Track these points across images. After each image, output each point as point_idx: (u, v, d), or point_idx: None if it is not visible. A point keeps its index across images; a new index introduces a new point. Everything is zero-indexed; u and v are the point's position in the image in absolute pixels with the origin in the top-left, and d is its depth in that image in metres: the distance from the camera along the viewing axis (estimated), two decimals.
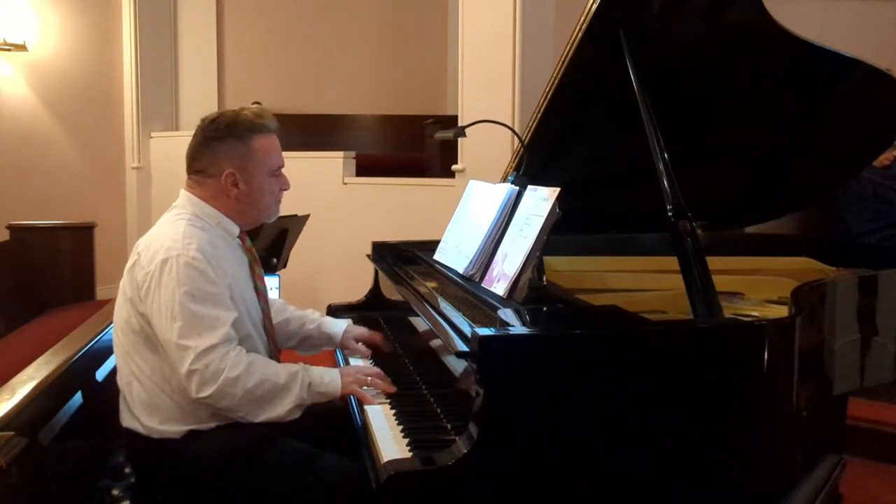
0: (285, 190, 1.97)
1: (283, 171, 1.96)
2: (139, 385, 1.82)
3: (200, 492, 1.78)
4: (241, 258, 1.94)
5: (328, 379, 1.82)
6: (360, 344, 2.18)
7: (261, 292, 1.98)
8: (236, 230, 1.93)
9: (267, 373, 1.75)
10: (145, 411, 1.81)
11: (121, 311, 1.86)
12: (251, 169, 1.87)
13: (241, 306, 1.84)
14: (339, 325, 2.20)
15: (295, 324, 2.18)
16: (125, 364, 1.85)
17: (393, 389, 1.86)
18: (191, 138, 1.92)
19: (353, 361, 2.15)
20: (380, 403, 1.82)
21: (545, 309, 1.74)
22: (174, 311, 1.71)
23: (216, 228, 1.88)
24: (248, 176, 1.87)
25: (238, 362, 1.71)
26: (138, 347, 1.82)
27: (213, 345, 1.70)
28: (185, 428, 1.79)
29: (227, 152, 1.86)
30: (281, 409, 1.75)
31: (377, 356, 2.19)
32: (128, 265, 1.85)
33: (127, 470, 1.98)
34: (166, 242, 1.77)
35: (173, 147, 5.94)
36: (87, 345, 2.20)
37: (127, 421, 1.86)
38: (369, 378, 1.88)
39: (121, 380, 1.87)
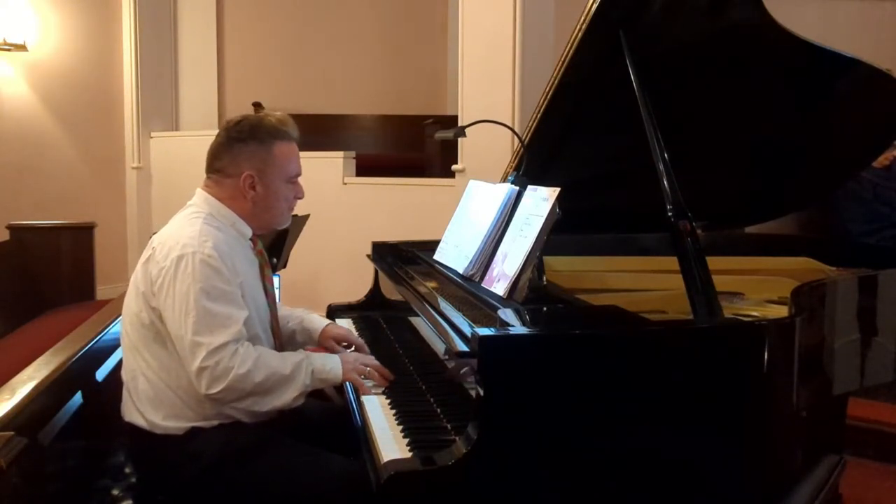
0: (299, 199, 2.00)
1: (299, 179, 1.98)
2: (145, 380, 1.83)
3: (201, 490, 1.78)
4: (252, 260, 1.96)
5: (330, 366, 1.86)
6: (342, 345, 2.15)
7: (270, 294, 2.00)
8: (249, 232, 1.95)
9: (273, 365, 1.78)
10: (150, 406, 1.82)
11: (131, 304, 1.87)
12: (269, 173, 1.90)
13: (251, 306, 1.85)
14: (319, 323, 2.19)
15: (281, 321, 2.18)
16: (132, 358, 1.86)
17: (391, 377, 1.90)
18: (213, 139, 1.95)
19: None
20: (378, 398, 1.82)
21: (545, 309, 1.74)
22: (188, 307, 1.73)
23: (230, 229, 1.90)
24: (265, 179, 1.90)
25: (246, 358, 1.74)
26: (147, 342, 1.83)
27: (225, 343, 1.72)
28: (188, 425, 1.80)
29: (249, 154, 1.89)
30: (287, 397, 1.79)
31: (375, 355, 2.18)
32: (142, 259, 1.86)
33: (127, 470, 1.98)
34: (182, 239, 1.79)
35: (173, 147, 5.96)
36: (87, 345, 2.20)
37: (129, 415, 1.87)
38: (368, 368, 1.90)
39: (126, 374, 1.89)
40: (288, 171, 1.93)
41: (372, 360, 1.96)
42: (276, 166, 1.91)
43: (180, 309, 1.73)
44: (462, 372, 1.67)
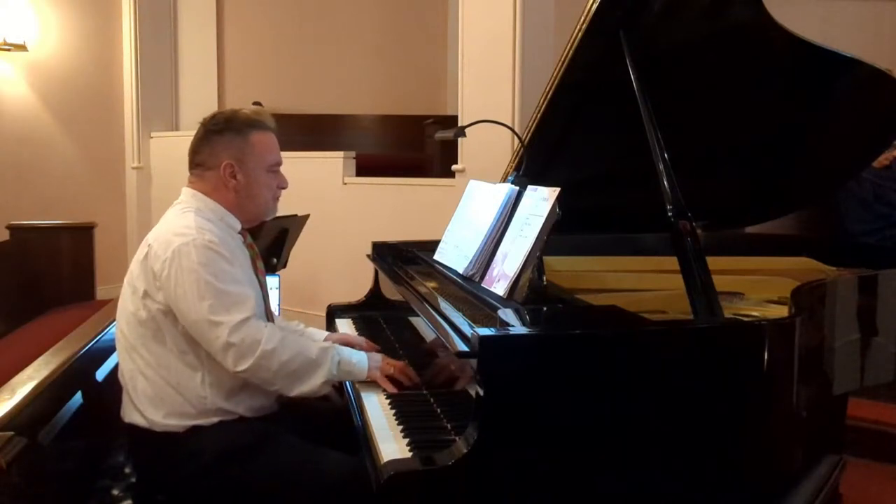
0: (283, 188, 2.01)
1: (283, 171, 2.00)
2: (144, 379, 1.84)
3: (201, 488, 1.79)
4: (244, 252, 1.97)
5: (356, 359, 1.88)
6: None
7: (263, 285, 2.01)
8: (238, 225, 1.97)
9: (300, 347, 1.81)
10: (150, 405, 1.83)
11: (127, 304, 1.88)
12: (249, 161, 1.92)
13: None
14: (319, 336, 2.20)
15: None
16: (129, 359, 1.87)
17: (416, 378, 1.90)
18: (192, 137, 1.98)
19: None
20: (378, 398, 1.83)
21: (545, 309, 1.74)
22: (200, 291, 1.75)
23: (220, 223, 1.92)
24: (245, 168, 1.92)
25: (273, 336, 1.77)
26: (145, 340, 1.84)
27: (245, 318, 1.75)
28: (189, 423, 1.81)
29: (226, 144, 1.91)
30: (313, 382, 1.81)
31: None
32: (137, 257, 1.87)
33: (127, 470, 1.98)
34: (179, 230, 1.81)
35: (173, 147, 5.95)
36: (87, 345, 2.20)
37: (129, 416, 1.87)
38: (392, 369, 1.90)
39: (123, 375, 1.89)
40: (267, 159, 1.95)
41: (398, 362, 1.94)
42: (255, 155, 1.93)
43: (192, 295, 1.75)
44: (462, 371, 1.67)
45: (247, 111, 1.98)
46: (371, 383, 1.90)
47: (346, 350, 1.91)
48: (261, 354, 1.74)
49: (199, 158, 1.94)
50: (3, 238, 4.07)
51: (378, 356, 1.96)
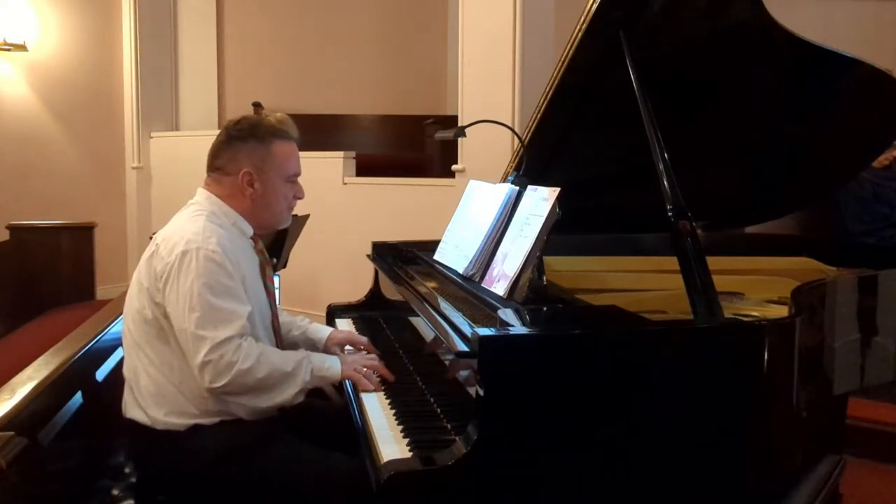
0: (299, 199, 2.02)
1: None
2: (147, 376, 1.84)
3: (201, 487, 1.79)
4: (253, 258, 1.97)
5: (328, 364, 1.90)
6: (346, 347, 2.18)
7: (271, 292, 2.01)
8: (250, 231, 1.96)
9: (276, 362, 1.81)
10: (152, 402, 1.83)
11: (133, 301, 1.88)
12: (268, 171, 1.92)
13: (252, 304, 1.87)
14: (323, 332, 2.21)
15: (283, 329, 2.20)
16: (134, 355, 1.87)
17: (391, 377, 1.92)
18: (214, 138, 1.98)
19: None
20: (378, 398, 1.83)
21: (545, 309, 1.74)
22: (192, 302, 1.74)
23: (232, 228, 1.92)
24: (264, 177, 1.92)
25: (250, 353, 1.75)
26: (149, 338, 1.84)
27: (229, 337, 1.74)
28: (190, 422, 1.81)
29: (248, 152, 1.91)
30: (287, 394, 1.81)
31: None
32: (145, 255, 1.88)
33: (127, 470, 1.98)
34: (187, 235, 1.81)
35: (173, 147, 5.96)
36: (87, 345, 2.20)
37: (130, 412, 1.87)
38: (365, 369, 1.92)
39: (127, 371, 1.90)
40: (286, 169, 1.95)
41: (372, 360, 1.98)
42: (275, 164, 1.93)
43: (184, 304, 1.74)
44: (462, 371, 1.67)
45: (271, 118, 1.98)
46: None
47: (318, 356, 1.92)
48: (236, 373, 1.73)
49: (219, 163, 1.94)
50: (3, 238, 4.08)
51: (351, 357, 1.99)
